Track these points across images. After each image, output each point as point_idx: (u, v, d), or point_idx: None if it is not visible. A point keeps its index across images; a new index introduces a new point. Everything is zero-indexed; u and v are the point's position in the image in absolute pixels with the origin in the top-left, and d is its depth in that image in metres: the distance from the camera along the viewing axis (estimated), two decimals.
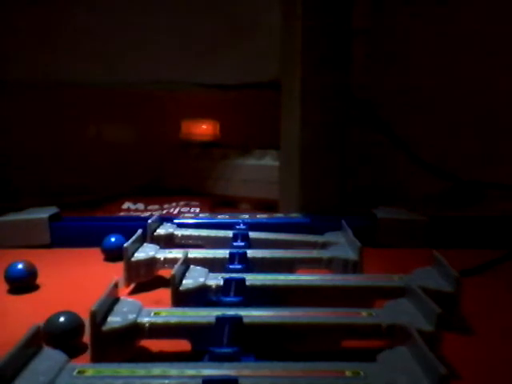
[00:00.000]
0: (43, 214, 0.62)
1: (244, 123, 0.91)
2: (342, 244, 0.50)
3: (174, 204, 0.80)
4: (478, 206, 0.79)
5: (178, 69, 0.92)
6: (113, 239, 0.56)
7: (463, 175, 0.80)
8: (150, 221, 0.55)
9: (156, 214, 0.76)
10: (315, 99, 0.70)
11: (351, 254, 0.47)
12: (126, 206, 0.80)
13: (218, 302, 0.37)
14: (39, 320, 0.35)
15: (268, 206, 0.79)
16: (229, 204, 0.84)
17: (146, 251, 0.47)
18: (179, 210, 0.77)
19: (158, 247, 0.49)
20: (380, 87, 0.82)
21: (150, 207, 0.79)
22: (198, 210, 0.77)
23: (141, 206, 0.80)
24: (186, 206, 0.79)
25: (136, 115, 0.94)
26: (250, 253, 0.48)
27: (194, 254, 0.47)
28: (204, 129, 0.92)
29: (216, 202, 0.83)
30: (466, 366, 0.34)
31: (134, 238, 0.47)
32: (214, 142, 0.91)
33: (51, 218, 0.62)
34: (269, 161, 0.82)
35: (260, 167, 0.83)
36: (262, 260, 0.48)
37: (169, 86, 0.93)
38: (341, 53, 0.71)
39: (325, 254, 0.48)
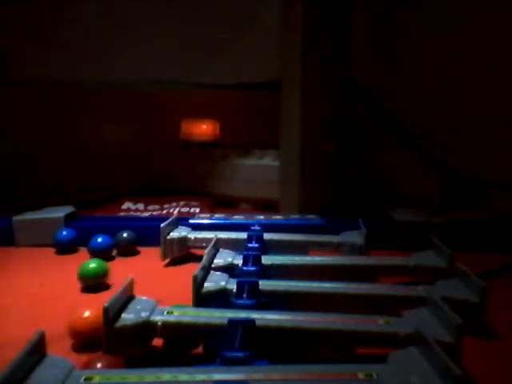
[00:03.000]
0: (59, 213, 0.62)
1: (244, 123, 0.91)
2: (427, 251, 0.49)
3: (174, 204, 0.80)
4: (479, 205, 0.79)
5: (178, 69, 0.92)
6: (99, 239, 0.56)
7: (464, 174, 0.80)
8: (163, 224, 0.54)
9: (156, 214, 0.76)
10: (315, 99, 0.70)
11: (440, 262, 0.46)
12: (125, 206, 0.80)
13: (236, 305, 0.37)
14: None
15: (268, 206, 0.79)
16: (229, 204, 0.84)
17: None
18: (179, 210, 0.77)
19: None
20: (381, 85, 0.82)
21: (150, 207, 0.79)
22: (197, 209, 0.77)
23: (141, 206, 0.80)
24: (185, 206, 0.79)
25: (136, 115, 0.94)
26: (327, 260, 0.48)
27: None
28: (204, 129, 0.92)
29: (216, 202, 0.83)
30: (487, 373, 0.33)
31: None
32: (214, 141, 0.91)
33: (67, 217, 0.62)
34: (269, 161, 0.82)
35: (260, 167, 0.83)
36: (344, 268, 0.47)
37: (169, 86, 0.93)
38: (341, 52, 0.71)
39: (410, 261, 0.47)
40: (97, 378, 0.26)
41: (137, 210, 0.79)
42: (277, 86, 0.73)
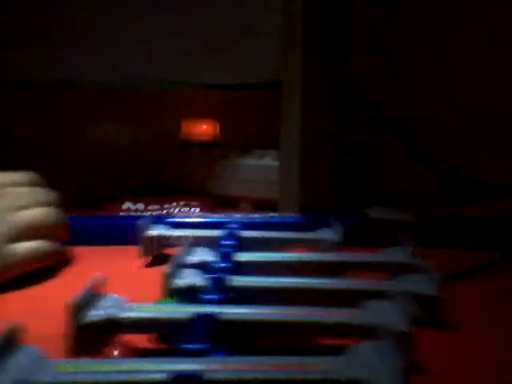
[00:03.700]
0: None
1: (244, 123, 0.91)
2: (395, 247, 0.50)
3: (174, 204, 0.80)
4: (479, 205, 0.79)
5: (178, 69, 0.92)
6: None
7: (464, 174, 0.80)
8: (141, 222, 0.55)
9: (156, 214, 0.76)
10: (315, 99, 0.70)
11: (405, 257, 0.48)
12: (125, 206, 0.80)
13: (203, 300, 0.38)
14: None
15: (268, 206, 0.78)
16: (229, 204, 0.84)
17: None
18: (179, 210, 0.77)
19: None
20: (380, 85, 0.82)
21: (150, 207, 0.79)
22: (198, 209, 0.77)
23: (141, 206, 0.80)
24: (185, 206, 0.79)
25: (136, 115, 0.94)
26: (299, 256, 0.50)
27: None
28: (204, 129, 0.92)
29: (216, 202, 0.83)
30: (440, 363, 0.35)
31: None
32: (214, 142, 0.91)
33: None
34: (269, 161, 0.82)
35: (260, 167, 0.83)
36: (314, 264, 0.49)
37: (169, 86, 0.93)
38: (342, 52, 0.71)
39: (377, 257, 0.49)
40: (65, 367, 0.28)
41: (137, 210, 0.79)
42: (277, 86, 0.73)
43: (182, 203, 0.80)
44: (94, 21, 0.90)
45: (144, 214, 0.76)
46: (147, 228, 0.56)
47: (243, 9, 0.89)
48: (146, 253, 0.56)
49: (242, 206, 0.83)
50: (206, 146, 0.90)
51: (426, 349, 0.35)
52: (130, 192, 0.87)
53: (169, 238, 0.56)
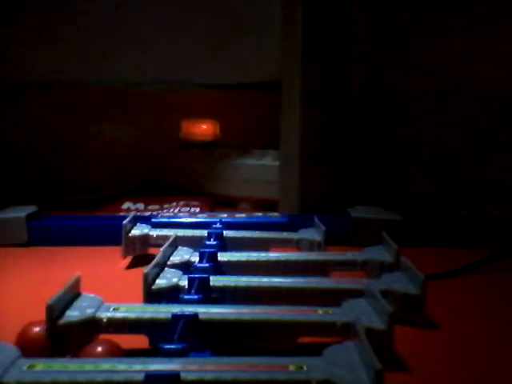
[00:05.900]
0: (21, 212, 0.62)
1: (244, 123, 0.91)
2: (377, 246, 0.50)
3: (174, 204, 0.80)
4: (477, 207, 0.79)
5: (178, 69, 0.92)
6: None
7: (462, 177, 0.80)
8: (125, 221, 0.55)
9: (156, 214, 0.76)
10: (315, 99, 0.70)
11: (387, 257, 0.48)
12: (125, 206, 0.80)
13: (184, 300, 0.38)
14: None
15: (268, 206, 0.78)
16: (229, 204, 0.84)
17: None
18: (179, 210, 0.77)
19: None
20: (378, 87, 0.82)
21: (150, 207, 0.79)
22: (198, 209, 0.77)
23: (141, 206, 0.80)
24: (185, 205, 0.79)
25: (136, 115, 0.94)
26: (281, 256, 0.49)
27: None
28: (204, 129, 0.92)
29: (216, 202, 0.83)
30: (418, 360, 0.35)
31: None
32: (214, 141, 0.91)
33: (29, 216, 0.62)
34: (269, 161, 0.82)
35: (260, 167, 0.83)
36: (296, 263, 0.49)
37: (169, 86, 0.93)
38: (341, 53, 0.71)
39: (359, 257, 0.49)
40: (40, 366, 0.27)
41: (137, 209, 0.79)
42: (277, 86, 0.73)
43: (182, 203, 0.80)
44: (94, 21, 0.90)
45: (144, 213, 0.76)
46: (129, 228, 0.56)
47: (243, 9, 0.89)
48: (127, 253, 0.55)
49: (241, 206, 0.83)
50: (206, 146, 0.90)
51: (408, 347, 0.35)
52: (131, 192, 0.87)
53: (151, 237, 0.56)
